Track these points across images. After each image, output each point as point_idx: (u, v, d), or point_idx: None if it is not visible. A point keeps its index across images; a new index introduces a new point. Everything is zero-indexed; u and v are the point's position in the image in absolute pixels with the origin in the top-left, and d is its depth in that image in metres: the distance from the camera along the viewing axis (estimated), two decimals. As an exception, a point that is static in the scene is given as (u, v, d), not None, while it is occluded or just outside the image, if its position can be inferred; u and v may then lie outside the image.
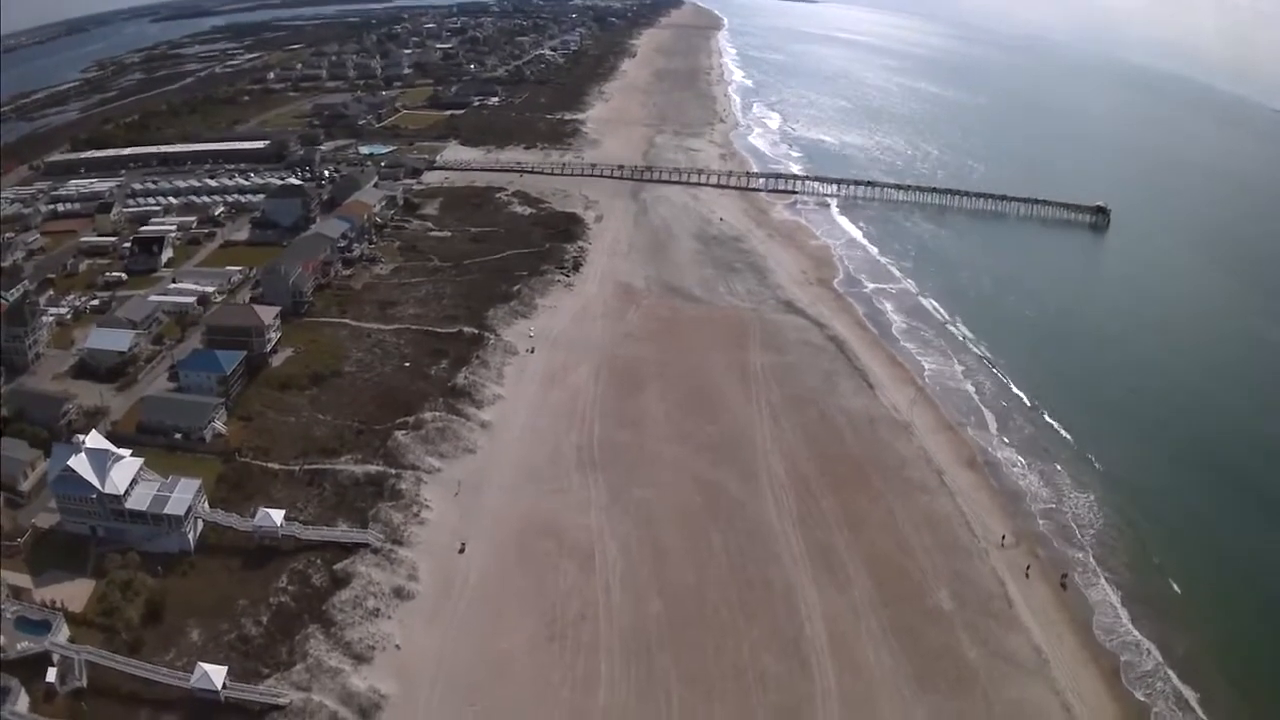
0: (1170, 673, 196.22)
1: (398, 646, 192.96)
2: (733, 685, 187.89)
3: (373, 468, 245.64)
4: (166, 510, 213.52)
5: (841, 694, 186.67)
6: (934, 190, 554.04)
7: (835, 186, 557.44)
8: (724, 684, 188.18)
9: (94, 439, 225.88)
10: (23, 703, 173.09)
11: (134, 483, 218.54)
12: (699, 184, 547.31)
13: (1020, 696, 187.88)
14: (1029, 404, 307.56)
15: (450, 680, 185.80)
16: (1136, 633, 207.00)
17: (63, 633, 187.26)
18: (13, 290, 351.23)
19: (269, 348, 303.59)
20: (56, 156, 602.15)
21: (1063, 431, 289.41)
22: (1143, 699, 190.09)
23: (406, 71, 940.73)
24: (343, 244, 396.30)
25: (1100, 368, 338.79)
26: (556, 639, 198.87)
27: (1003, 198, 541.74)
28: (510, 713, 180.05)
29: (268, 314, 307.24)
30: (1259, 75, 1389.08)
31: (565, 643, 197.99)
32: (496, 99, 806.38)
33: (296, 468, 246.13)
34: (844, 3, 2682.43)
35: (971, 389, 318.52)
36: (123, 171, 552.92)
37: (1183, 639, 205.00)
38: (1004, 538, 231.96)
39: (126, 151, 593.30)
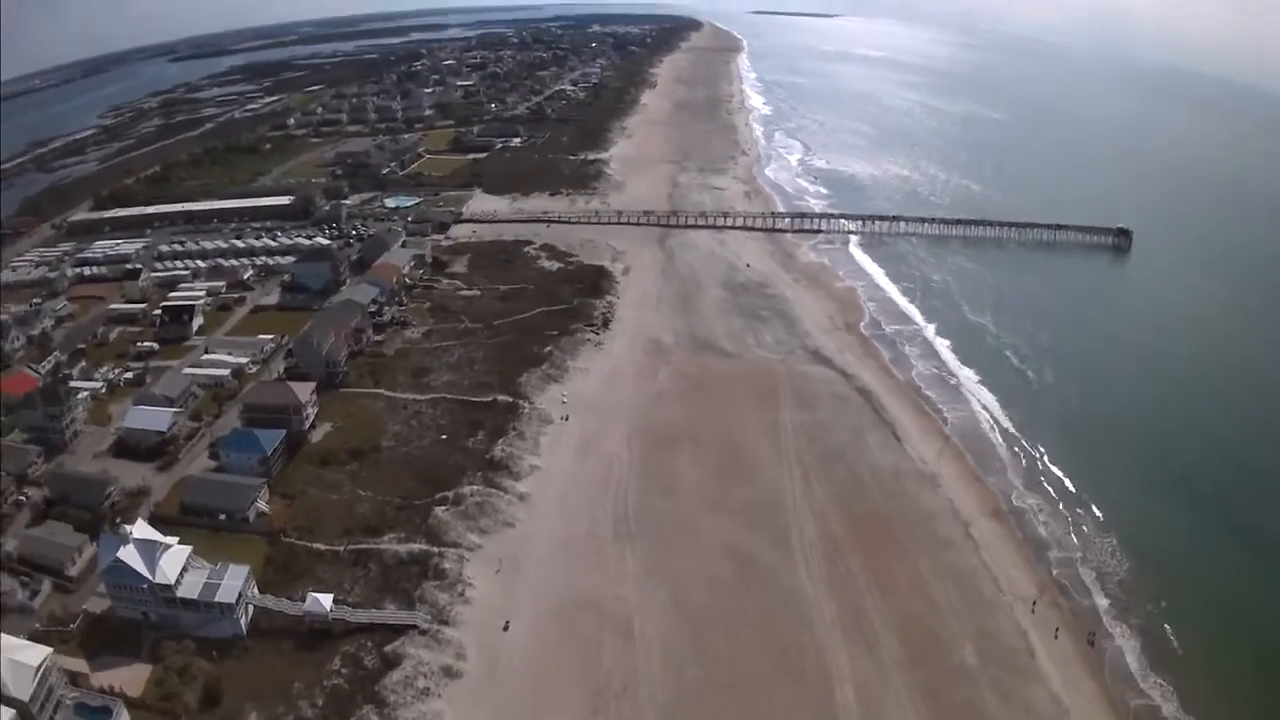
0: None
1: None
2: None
3: (416, 546, 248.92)
4: (218, 598, 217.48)
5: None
6: (957, 222, 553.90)
7: (859, 223, 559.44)
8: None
9: (141, 528, 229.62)
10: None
11: (184, 571, 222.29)
12: (725, 227, 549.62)
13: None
14: (1054, 448, 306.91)
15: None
16: (1160, 684, 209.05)
17: (123, 719, 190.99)
18: (45, 362, 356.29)
19: (307, 424, 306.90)
20: (79, 216, 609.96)
21: (1087, 475, 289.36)
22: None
23: (428, 113, 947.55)
24: (373, 309, 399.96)
25: (1124, 406, 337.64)
26: (600, 712, 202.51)
27: (1024, 225, 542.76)
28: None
29: (304, 391, 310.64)
30: (1273, 65, 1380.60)
31: (609, 716, 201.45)
32: (519, 140, 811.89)
33: (341, 548, 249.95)
34: (861, 16, 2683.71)
35: (997, 435, 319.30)
36: (148, 231, 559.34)
37: (1204, 687, 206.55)
38: (1034, 605, 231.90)
39: (150, 210, 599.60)
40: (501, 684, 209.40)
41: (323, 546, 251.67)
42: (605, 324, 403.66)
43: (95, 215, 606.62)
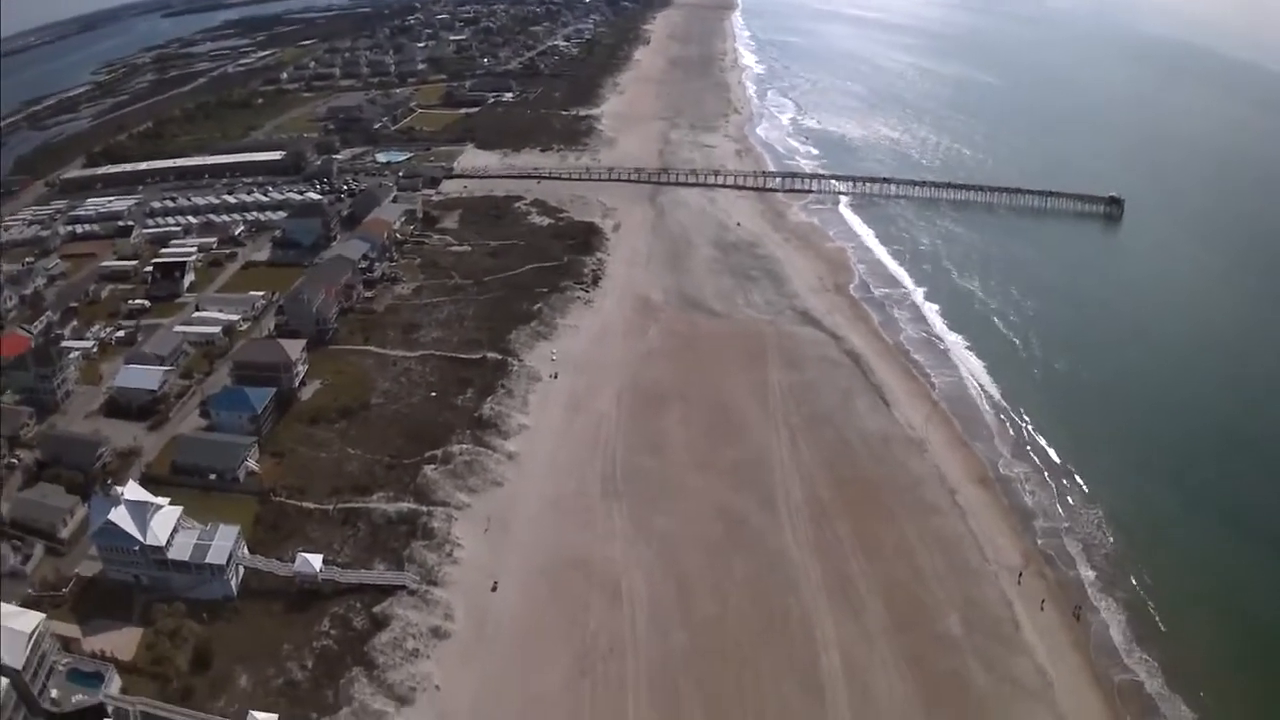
0: (1178, 699, 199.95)
1: (438, 687, 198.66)
2: (753, 718, 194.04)
3: (405, 505, 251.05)
4: (208, 560, 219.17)
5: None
6: (948, 185, 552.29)
7: (850, 184, 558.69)
8: (745, 717, 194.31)
9: (132, 489, 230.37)
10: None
11: (175, 532, 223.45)
12: (716, 185, 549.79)
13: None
14: (1041, 416, 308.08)
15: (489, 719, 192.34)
16: (1144, 657, 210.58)
17: (115, 684, 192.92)
18: (37, 322, 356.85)
19: (297, 382, 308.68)
20: (72, 173, 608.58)
21: (1074, 445, 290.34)
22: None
23: (420, 67, 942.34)
24: (364, 265, 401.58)
25: (1113, 375, 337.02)
26: (587, 674, 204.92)
27: (1015, 190, 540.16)
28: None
29: (295, 348, 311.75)
30: (1274, 41, 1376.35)
31: (595, 677, 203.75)
32: (511, 94, 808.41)
33: (331, 507, 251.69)
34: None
35: (984, 402, 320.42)
36: (140, 188, 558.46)
37: (1189, 663, 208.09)
38: (1020, 576, 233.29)
39: (143, 166, 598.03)
40: (489, 644, 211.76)
41: (312, 505, 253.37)
42: (595, 281, 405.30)
43: (88, 172, 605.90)
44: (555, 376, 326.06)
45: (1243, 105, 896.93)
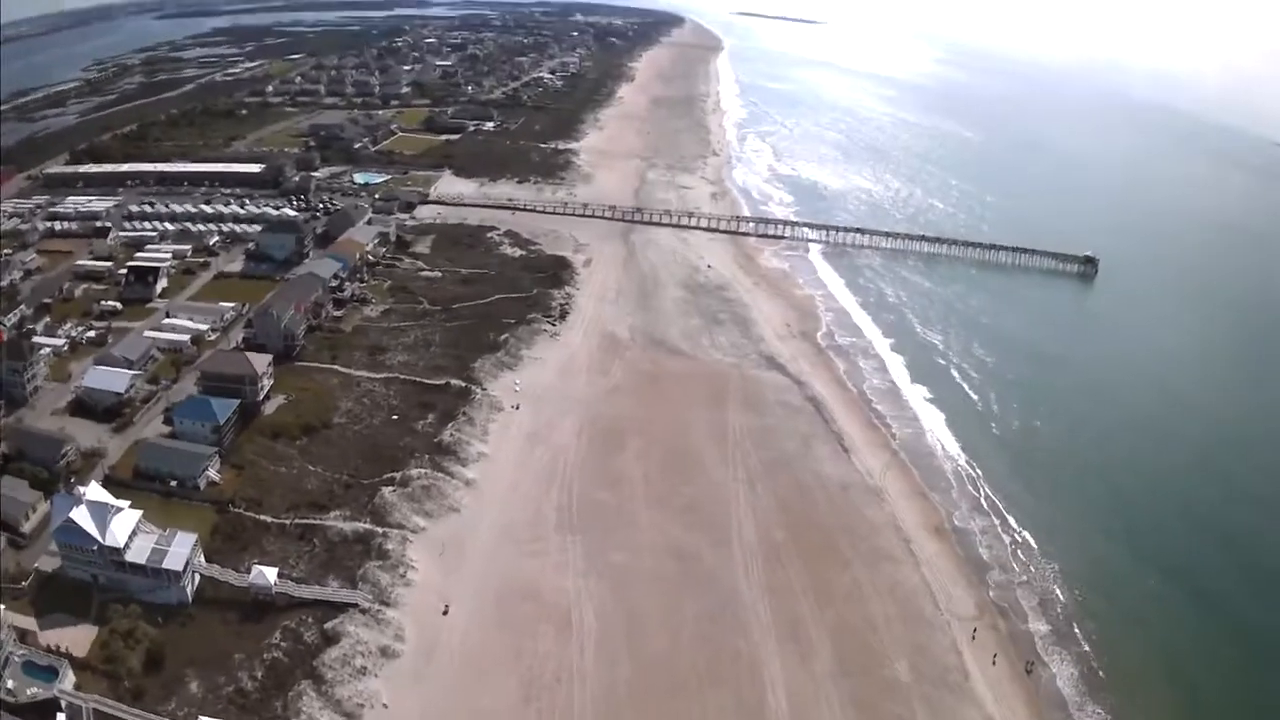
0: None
1: (385, 705, 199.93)
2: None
3: (361, 525, 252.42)
4: (165, 565, 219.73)
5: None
6: (920, 238, 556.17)
7: (823, 232, 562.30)
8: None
9: (94, 490, 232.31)
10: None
11: (133, 535, 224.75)
12: (689, 227, 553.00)
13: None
14: (1000, 470, 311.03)
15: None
16: (1095, 711, 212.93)
17: (69, 679, 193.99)
18: (10, 315, 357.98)
19: (262, 396, 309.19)
20: (55, 169, 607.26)
21: (1032, 499, 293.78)
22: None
23: (404, 90, 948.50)
24: (335, 284, 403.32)
25: (1072, 433, 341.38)
26: (533, 701, 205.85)
27: (990, 246, 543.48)
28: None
29: (261, 362, 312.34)
30: (1262, 110, 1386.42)
31: (541, 705, 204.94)
32: (492, 124, 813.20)
33: (288, 521, 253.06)
34: (847, 24, 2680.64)
35: (944, 454, 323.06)
36: (120, 190, 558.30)
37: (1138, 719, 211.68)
38: (974, 631, 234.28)
39: (124, 168, 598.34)
40: (438, 667, 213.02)
41: (270, 519, 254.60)
42: (563, 315, 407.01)
43: (70, 169, 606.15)
44: (517, 407, 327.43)
45: (1224, 168, 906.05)
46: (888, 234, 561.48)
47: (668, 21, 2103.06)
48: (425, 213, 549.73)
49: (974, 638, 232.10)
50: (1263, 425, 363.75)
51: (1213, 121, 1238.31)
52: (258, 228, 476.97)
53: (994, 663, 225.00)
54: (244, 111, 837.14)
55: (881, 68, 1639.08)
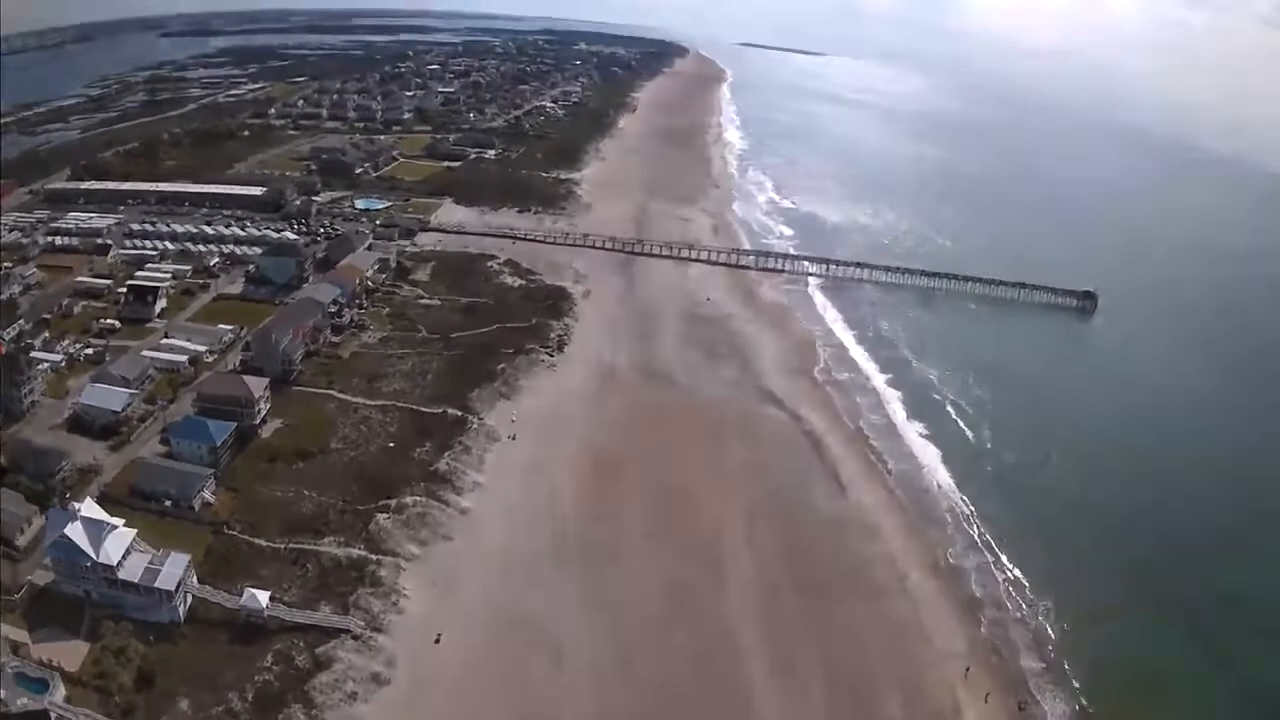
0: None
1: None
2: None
3: (355, 551, 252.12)
4: (158, 584, 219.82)
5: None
6: (920, 273, 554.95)
7: (823, 266, 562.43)
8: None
9: (89, 507, 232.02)
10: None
11: (127, 553, 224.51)
12: (689, 259, 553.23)
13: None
14: (995, 508, 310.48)
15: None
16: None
17: (60, 692, 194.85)
18: (10, 329, 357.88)
19: (259, 419, 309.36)
20: (57, 184, 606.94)
21: (1026, 538, 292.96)
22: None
23: (406, 116, 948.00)
24: (333, 309, 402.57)
25: (1069, 471, 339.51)
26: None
27: (990, 281, 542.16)
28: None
29: (258, 385, 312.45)
30: (1261, 137, 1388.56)
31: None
32: (494, 152, 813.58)
33: (282, 546, 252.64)
34: (849, 57, 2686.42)
35: (940, 491, 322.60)
36: (121, 208, 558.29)
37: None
38: (967, 671, 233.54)
39: (126, 186, 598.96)
40: (428, 695, 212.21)
41: (264, 543, 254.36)
42: (561, 346, 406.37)
43: (72, 185, 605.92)
44: (514, 438, 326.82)
45: (1226, 199, 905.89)
46: (886, 268, 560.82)
47: (671, 51, 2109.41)
48: (426, 240, 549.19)
49: (966, 676, 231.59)
50: (1261, 465, 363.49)
51: (1218, 151, 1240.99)
52: (258, 250, 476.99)
53: (986, 701, 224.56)
54: (246, 133, 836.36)
55: (882, 100, 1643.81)
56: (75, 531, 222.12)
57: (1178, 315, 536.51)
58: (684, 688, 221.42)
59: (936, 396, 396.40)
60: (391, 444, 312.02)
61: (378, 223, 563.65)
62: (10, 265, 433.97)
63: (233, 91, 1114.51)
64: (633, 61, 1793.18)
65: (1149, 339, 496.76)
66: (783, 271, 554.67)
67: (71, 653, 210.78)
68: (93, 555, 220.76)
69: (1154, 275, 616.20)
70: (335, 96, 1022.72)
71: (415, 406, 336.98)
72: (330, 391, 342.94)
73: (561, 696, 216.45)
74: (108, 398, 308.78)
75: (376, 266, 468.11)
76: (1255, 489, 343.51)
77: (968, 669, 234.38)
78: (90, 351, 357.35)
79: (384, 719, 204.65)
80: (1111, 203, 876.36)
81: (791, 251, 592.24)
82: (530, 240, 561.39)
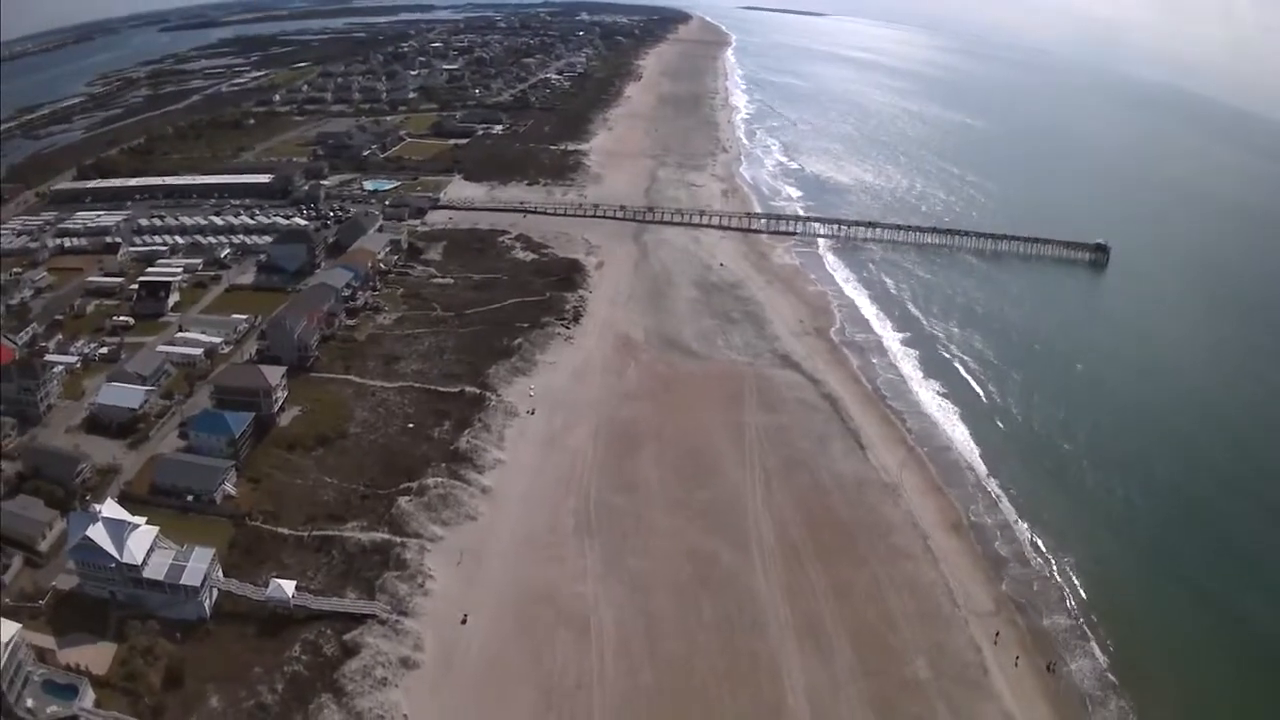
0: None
1: (405, 716, 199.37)
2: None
3: (379, 535, 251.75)
4: (183, 580, 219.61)
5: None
6: (933, 230, 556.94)
7: (835, 227, 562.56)
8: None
9: (110, 508, 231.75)
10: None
11: (150, 551, 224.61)
12: (700, 225, 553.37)
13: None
14: (1016, 464, 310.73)
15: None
16: (1121, 705, 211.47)
17: (89, 697, 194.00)
18: (22, 333, 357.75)
19: (277, 408, 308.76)
20: (62, 185, 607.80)
21: (1048, 493, 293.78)
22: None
23: (412, 95, 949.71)
24: (347, 293, 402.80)
25: (1088, 424, 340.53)
26: (553, 709, 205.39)
27: (1001, 237, 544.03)
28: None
29: (274, 374, 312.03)
30: (1263, 88, 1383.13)
31: (560, 712, 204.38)
32: (501, 127, 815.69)
33: (305, 534, 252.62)
34: (852, 16, 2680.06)
35: (959, 448, 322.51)
36: (129, 204, 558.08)
37: (1160, 715, 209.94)
38: (997, 635, 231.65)
39: (133, 182, 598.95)
40: (458, 676, 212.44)
41: (287, 531, 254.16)
42: (576, 318, 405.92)
43: (78, 185, 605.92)
44: (532, 412, 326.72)
45: (1235, 150, 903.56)
46: (898, 227, 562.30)
47: (674, 17, 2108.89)
48: (436, 218, 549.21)
49: (996, 641, 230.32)
50: (1277, 420, 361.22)
51: (1225, 103, 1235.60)
52: (268, 238, 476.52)
53: (1016, 665, 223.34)
54: (251, 122, 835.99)
55: (886, 59, 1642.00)
56: (97, 533, 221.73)
57: (1190, 266, 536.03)
58: (710, 656, 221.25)
59: (951, 354, 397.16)
60: (410, 425, 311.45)
61: (387, 203, 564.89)
62: (20, 270, 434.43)
63: (236, 81, 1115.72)
64: (636, 29, 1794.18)
65: (1162, 291, 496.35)
66: (794, 234, 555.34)
67: (99, 656, 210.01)
68: (116, 556, 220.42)
69: (1166, 225, 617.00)
70: (339, 80, 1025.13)
71: (433, 386, 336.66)
72: (347, 376, 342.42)
73: (589, 671, 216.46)
74: (124, 396, 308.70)
75: (388, 248, 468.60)
76: (1273, 446, 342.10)
77: (997, 634, 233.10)
78: (105, 350, 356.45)
79: (415, 702, 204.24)
80: (1121, 156, 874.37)
81: (801, 213, 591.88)
82: (541, 213, 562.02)
